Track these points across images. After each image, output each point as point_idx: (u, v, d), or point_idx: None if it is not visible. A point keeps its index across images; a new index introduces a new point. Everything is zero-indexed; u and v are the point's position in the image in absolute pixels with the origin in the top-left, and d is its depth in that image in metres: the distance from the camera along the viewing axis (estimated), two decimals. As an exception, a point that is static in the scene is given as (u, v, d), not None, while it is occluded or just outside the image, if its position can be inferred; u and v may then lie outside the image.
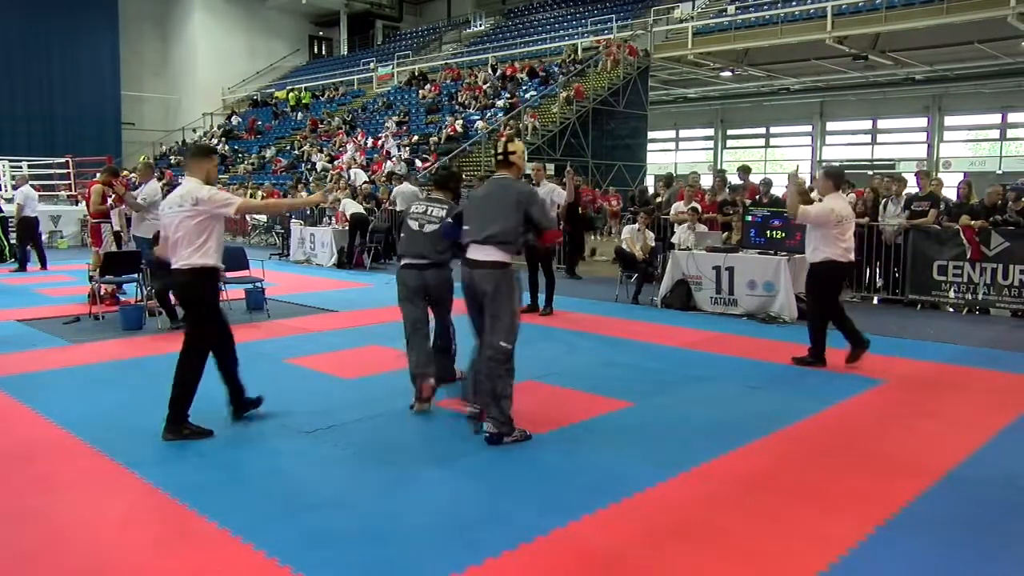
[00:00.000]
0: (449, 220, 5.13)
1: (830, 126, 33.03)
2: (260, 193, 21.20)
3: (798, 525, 3.57)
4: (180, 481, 3.98)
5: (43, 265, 13.56)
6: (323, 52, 42.28)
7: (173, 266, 4.73)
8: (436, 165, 21.01)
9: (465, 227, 4.82)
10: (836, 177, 6.79)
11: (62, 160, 21.39)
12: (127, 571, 3.11)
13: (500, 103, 23.98)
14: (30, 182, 14.73)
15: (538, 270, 9.49)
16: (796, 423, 5.09)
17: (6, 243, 14.52)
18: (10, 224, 14.64)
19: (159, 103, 37.02)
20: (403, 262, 5.35)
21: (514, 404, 4.75)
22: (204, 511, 3.61)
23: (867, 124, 32.24)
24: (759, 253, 9.21)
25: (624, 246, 10.50)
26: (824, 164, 31.20)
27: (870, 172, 25.02)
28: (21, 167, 20.66)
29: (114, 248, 9.50)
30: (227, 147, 31.22)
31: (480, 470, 4.23)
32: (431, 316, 5.51)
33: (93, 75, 33.13)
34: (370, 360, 6.81)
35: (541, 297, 9.42)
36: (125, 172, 22.19)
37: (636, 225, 10.70)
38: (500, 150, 4.99)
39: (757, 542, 3.39)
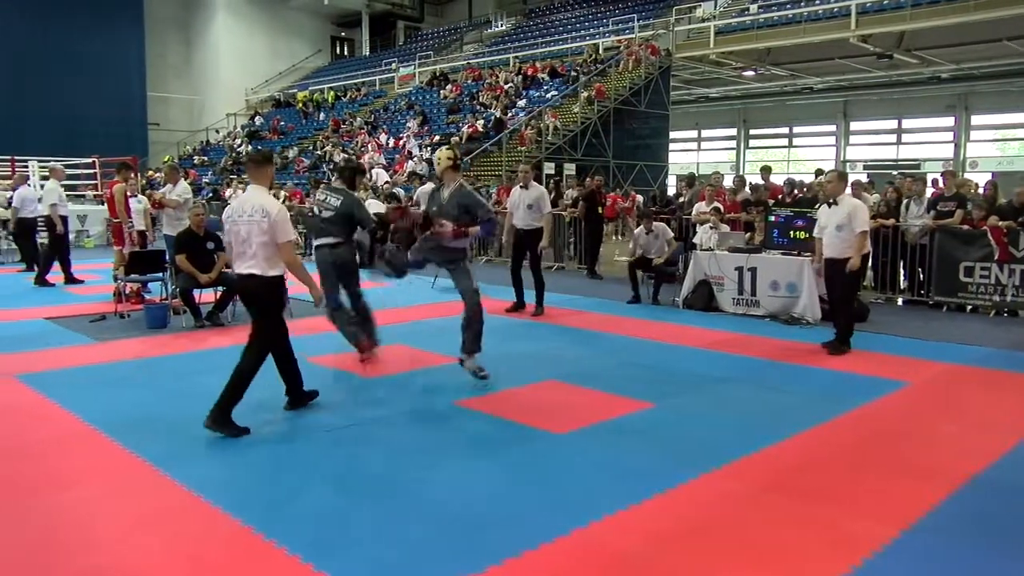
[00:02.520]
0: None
1: (854, 126, 32.73)
2: (283, 193, 21.35)
3: (820, 527, 3.55)
4: (203, 477, 4.02)
5: (36, 267, 13.11)
6: (345, 53, 42.49)
7: (243, 271, 4.84)
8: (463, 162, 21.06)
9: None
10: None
11: (89, 160, 21.64)
12: (149, 566, 3.15)
13: (521, 103, 23.99)
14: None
15: (521, 268, 9.44)
16: (818, 425, 5.05)
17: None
18: (9, 226, 14.23)
19: (183, 104, 37.39)
20: (315, 243, 6.50)
21: (533, 402, 5.42)
22: (228, 508, 3.65)
23: (892, 124, 31.89)
24: (782, 254, 9.14)
25: (632, 253, 10.36)
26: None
27: (895, 172, 24.80)
28: (48, 166, 20.91)
29: (138, 247, 9.61)
30: (250, 147, 31.48)
31: (500, 470, 4.23)
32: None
33: (119, 76, 33.51)
34: (391, 359, 6.83)
35: (529, 294, 9.39)
36: (151, 172, 22.46)
37: (641, 228, 10.48)
38: (452, 156, 6.21)
39: (779, 544, 3.37)
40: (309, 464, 4.33)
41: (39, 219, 13.29)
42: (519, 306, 9.34)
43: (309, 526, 3.50)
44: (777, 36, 23.11)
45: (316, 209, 6.50)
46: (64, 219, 11.89)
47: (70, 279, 11.55)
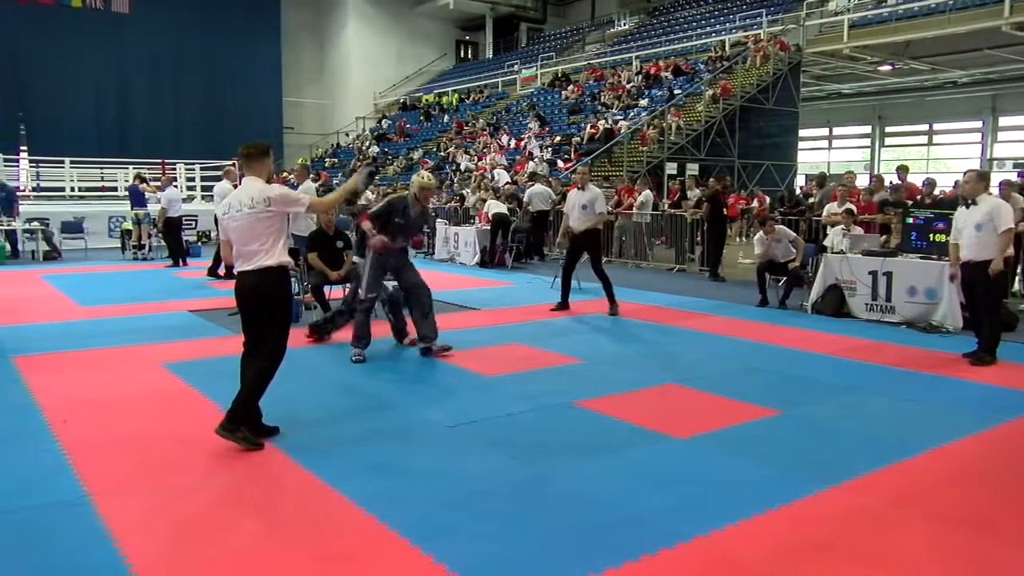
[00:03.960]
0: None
1: (1003, 121, 30.50)
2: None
3: (962, 552, 3.33)
4: (331, 469, 4.19)
5: (181, 262, 14.19)
6: (469, 56, 43.22)
7: (250, 268, 4.60)
8: (577, 165, 21.05)
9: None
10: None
11: (230, 163, 22.95)
12: (281, 551, 3.30)
13: (643, 102, 23.72)
14: (173, 184, 15.39)
15: (573, 270, 9.53)
16: (958, 440, 4.75)
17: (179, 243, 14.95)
18: (157, 223, 15.23)
19: (316, 108, 39.05)
20: None
21: (652, 405, 5.35)
22: (353, 498, 3.78)
23: (1049, 118, 29.57)
24: (920, 258, 8.66)
25: (757, 259, 10.12)
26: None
27: (1050, 171, 22.96)
28: (195, 169, 22.38)
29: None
30: (378, 149, 32.55)
31: (621, 471, 4.19)
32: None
33: (257, 83, 35.48)
34: (512, 358, 6.90)
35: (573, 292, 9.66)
36: (285, 173, 23.62)
37: (760, 234, 10.21)
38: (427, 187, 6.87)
39: (913, 567, 3.18)
40: (428, 460, 4.42)
41: (183, 217, 14.29)
42: (562, 306, 9.46)
43: (429, 518, 3.58)
44: (918, 28, 21.78)
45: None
46: None
47: (214, 272, 12.29)
